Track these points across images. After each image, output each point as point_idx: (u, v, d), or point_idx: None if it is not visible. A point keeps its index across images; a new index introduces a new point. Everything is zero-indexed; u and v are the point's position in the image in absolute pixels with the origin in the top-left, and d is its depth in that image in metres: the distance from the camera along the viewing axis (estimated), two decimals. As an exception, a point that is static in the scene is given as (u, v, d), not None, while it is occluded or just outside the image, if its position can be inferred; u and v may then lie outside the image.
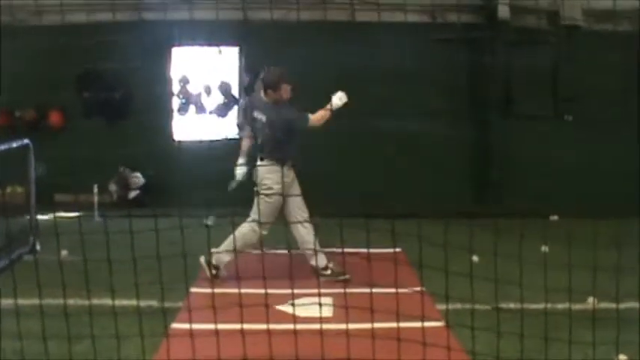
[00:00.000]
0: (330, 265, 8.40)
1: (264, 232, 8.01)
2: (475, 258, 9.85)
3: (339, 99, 8.19)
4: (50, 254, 6.27)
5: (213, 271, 8.24)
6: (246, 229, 8.15)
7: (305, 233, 8.30)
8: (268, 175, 8.17)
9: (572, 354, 5.09)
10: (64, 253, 7.65)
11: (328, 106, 8.13)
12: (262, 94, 8.40)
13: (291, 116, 8.24)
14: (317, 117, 8.22)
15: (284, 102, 8.33)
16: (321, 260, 8.35)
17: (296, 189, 8.44)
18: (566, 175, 13.01)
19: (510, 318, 5.57)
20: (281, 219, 8.29)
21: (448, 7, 13.27)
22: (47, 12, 12.77)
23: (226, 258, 8.22)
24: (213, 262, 8.24)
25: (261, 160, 8.30)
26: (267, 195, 8.07)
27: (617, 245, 5.39)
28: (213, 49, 14.00)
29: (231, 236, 7.95)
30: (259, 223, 7.64)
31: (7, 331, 5.67)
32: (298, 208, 8.35)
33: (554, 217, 10.83)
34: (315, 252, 8.10)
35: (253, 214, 8.12)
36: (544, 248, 9.05)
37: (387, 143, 12.91)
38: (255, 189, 8.18)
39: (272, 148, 8.27)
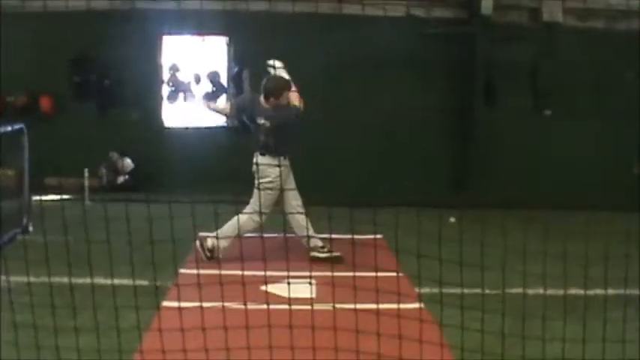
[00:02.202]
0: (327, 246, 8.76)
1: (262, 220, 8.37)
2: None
3: (274, 66, 8.62)
4: (43, 235, 6.50)
5: (208, 254, 8.57)
6: (244, 219, 8.52)
7: (300, 219, 8.69)
8: (270, 169, 8.50)
9: (545, 334, 5.35)
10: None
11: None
12: (262, 98, 8.71)
13: (291, 116, 8.68)
14: (296, 101, 8.68)
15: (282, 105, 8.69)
16: (317, 241, 8.79)
17: (291, 180, 8.84)
18: (543, 166, 13.32)
19: (487, 301, 5.86)
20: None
21: (433, 1, 13.51)
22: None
23: (224, 244, 8.51)
24: (209, 245, 8.55)
25: (263, 155, 8.65)
26: (269, 188, 8.48)
27: (587, 236, 5.63)
28: (202, 39, 14.20)
29: (229, 223, 8.47)
30: (260, 213, 8.17)
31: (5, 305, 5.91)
32: (294, 198, 8.73)
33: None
34: (308, 236, 8.55)
35: (253, 205, 8.53)
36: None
37: (373, 133, 13.15)
38: (255, 182, 8.53)
39: (276, 146, 8.67)
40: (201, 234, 8.63)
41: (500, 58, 13.32)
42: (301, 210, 8.71)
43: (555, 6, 13.48)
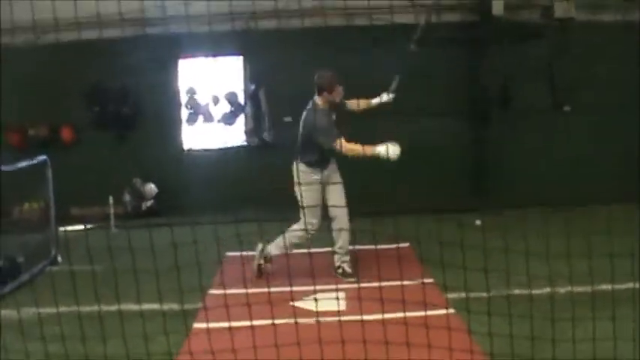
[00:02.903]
0: (345, 265, 8.63)
1: (312, 231, 8.29)
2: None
3: (388, 151, 8.17)
4: (73, 266, 6.57)
5: (261, 262, 8.65)
6: (293, 228, 8.51)
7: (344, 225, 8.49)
8: (295, 175, 8.42)
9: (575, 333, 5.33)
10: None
11: (373, 149, 8.21)
12: (316, 96, 8.55)
13: (315, 125, 8.36)
14: (349, 148, 8.25)
15: (333, 107, 8.55)
16: (342, 257, 8.63)
17: (333, 186, 8.56)
18: (563, 163, 13.24)
19: (516, 303, 5.84)
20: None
21: (444, 6, 13.49)
22: (54, 30, 12.93)
23: (275, 252, 8.60)
24: (265, 254, 8.65)
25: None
26: (301, 195, 8.34)
27: (610, 231, 5.60)
28: (214, 59, 14.26)
29: (283, 234, 8.42)
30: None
31: (33, 335, 5.98)
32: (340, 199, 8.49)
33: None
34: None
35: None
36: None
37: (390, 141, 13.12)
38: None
39: (297, 148, 8.60)
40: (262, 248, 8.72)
41: (514, 58, 13.23)
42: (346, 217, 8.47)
43: (567, 1, 13.43)
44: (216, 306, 6.15)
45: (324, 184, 8.56)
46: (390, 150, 8.15)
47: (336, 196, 8.53)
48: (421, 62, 13.11)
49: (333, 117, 8.61)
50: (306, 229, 8.20)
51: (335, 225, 8.49)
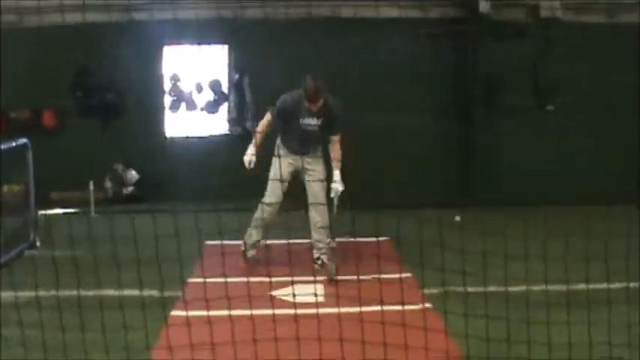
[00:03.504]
0: (324, 257, 8.60)
1: (268, 204, 8.45)
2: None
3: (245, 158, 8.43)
4: (50, 250, 6.54)
5: (242, 248, 8.75)
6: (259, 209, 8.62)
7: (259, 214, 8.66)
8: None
9: (549, 333, 5.36)
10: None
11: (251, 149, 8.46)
12: None
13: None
14: (260, 126, 8.65)
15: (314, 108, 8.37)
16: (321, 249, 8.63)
17: (314, 183, 8.54)
18: (547, 164, 13.30)
19: (493, 300, 5.88)
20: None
21: (430, 1, 13.52)
22: (37, 13, 12.85)
23: (254, 237, 8.70)
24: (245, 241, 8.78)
25: None
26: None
27: (587, 232, 5.64)
28: (199, 47, 14.22)
29: (254, 216, 8.61)
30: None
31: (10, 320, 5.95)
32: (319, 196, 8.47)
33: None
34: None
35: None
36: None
37: (374, 137, 13.13)
38: None
39: None
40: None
41: (499, 56, 13.26)
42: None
43: (554, 1, 13.48)
44: (194, 294, 6.16)
45: (299, 172, 8.62)
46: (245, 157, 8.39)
47: (316, 192, 8.49)
48: (406, 57, 13.22)
49: (310, 120, 8.49)
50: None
51: (314, 221, 8.50)
